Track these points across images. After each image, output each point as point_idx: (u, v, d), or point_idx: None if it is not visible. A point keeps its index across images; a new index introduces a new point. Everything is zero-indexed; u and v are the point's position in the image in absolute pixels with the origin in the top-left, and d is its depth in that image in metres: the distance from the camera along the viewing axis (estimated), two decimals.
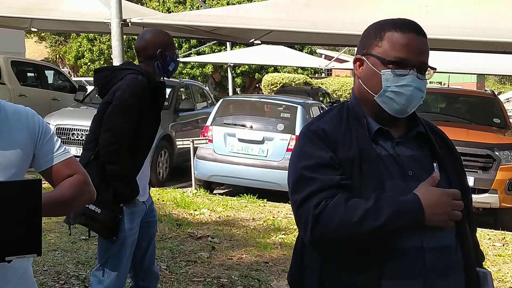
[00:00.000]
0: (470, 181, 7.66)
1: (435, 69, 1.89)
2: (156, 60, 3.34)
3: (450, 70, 15.44)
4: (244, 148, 8.91)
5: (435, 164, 1.88)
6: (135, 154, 3.22)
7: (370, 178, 1.79)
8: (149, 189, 3.63)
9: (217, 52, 23.54)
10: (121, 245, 3.30)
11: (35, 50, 36.98)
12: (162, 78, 3.45)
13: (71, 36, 30.39)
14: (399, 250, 1.76)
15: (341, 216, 1.71)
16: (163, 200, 7.66)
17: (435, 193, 1.76)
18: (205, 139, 9.11)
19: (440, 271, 1.79)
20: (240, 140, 8.96)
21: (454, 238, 1.84)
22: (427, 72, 1.88)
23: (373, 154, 1.82)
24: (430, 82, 27.34)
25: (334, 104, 3.02)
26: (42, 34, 34.05)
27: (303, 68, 27.92)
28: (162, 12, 22.34)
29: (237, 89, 26.58)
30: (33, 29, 12.97)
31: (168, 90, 11.50)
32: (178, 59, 3.42)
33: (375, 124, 1.89)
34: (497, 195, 7.87)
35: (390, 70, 1.83)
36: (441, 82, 26.61)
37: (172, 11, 24.09)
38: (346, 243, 1.73)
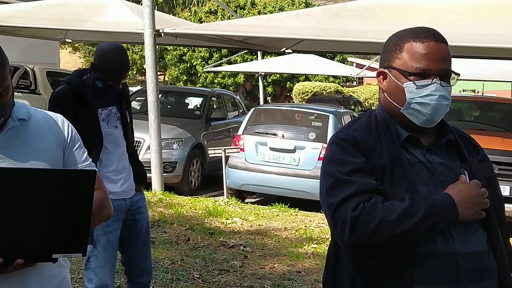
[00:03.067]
0: (506, 190, 7.53)
1: (459, 74, 1.88)
2: (91, 71, 3.45)
3: (484, 78, 15.25)
4: (275, 157, 8.91)
5: (464, 171, 1.88)
6: None
7: (402, 184, 1.80)
8: (142, 187, 3.71)
9: (248, 61, 23.63)
10: (95, 244, 3.41)
11: (69, 61, 37.59)
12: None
13: None
14: (432, 255, 1.76)
15: (379, 217, 1.72)
16: (195, 209, 7.69)
17: (463, 188, 1.79)
18: (237, 148, 9.13)
19: (473, 277, 1.78)
20: (272, 149, 8.95)
21: (486, 243, 1.84)
22: (451, 77, 1.86)
23: (404, 161, 1.83)
24: (463, 90, 27.05)
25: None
26: (76, 44, 34.58)
27: (334, 77, 27.83)
28: (194, 22, 22.53)
29: (268, 98, 26.62)
30: (67, 40, 13.23)
31: (199, 100, 11.60)
32: (115, 88, 3.43)
33: (404, 131, 1.89)
34: None
35: (412, 82, 1.83)
36: (474, 90, 26.27)
37: (204, 21, 24.27)
38: (383, 244, 1.74)
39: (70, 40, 13.74)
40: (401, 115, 1.88)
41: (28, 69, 11.99)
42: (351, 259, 1.85)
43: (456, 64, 2.10)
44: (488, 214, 1.85)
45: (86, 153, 2.06)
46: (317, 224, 7.41)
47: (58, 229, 1.64)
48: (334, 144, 1.89)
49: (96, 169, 2.04)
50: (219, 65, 23.17)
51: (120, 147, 3.54)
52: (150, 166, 8.34)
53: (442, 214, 1.74)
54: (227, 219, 7.28)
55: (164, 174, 8.79)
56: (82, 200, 1.65)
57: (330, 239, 1.98)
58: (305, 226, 7.24)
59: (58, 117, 2.02)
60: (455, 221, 1.76)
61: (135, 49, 27.72)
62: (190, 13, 27.61)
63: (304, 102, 21.98)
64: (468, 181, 1.86)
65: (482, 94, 17.45)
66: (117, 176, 3.50)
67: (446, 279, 1.76)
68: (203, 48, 24.38)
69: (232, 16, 17.35)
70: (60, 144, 1.97)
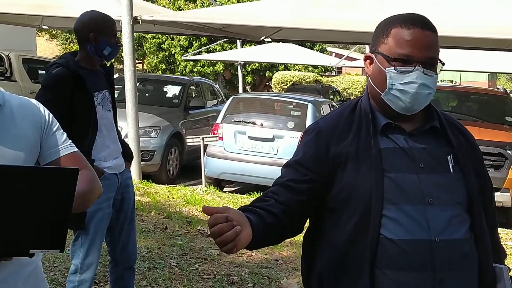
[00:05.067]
0: None
1: (444, 63, 1.86)
2: (89, 43, 3.39)
3: (461, 69, 15.39)
4: (254, 146, 8.90)
5: (449, 157, 1.87)
6: (76, 139, 3.17)
7: (370, 172, 1.80)
8: (129, 165, 3.73)
9: (227, 50, 23.55)
10: (88, 221, 3.35)
11: (46, 48, 37.12)
12: (102, 62, 3.51)
13: None
14: (406, 241, 1.76)
15: None
16: (173, 198, 7.67)
17: None
18: (215, 136, 9.11)
19: (451, 265, 1.78)
20: (250, 137, 8.94)
21: (468, 231, 1.83)
22: (438, 66, 1.85)
23: (375, 149, 1.82)
24: (441, 80, 27.26)
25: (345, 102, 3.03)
26: (53, 32, 34.15)
27: (313, 66, 27.87)
28: (173, 10, 22.36)
29: (247, 87, 26.58)
30: (44, 27, 13.02)
31: (178, 88, 11.53)
32: (117, 44, 3.44)
33: (383, 119, 1.88)
34: (509, 194, 7.82)
35: (393, 67, 1.82)
36: (452, 80, 26.51)
37: (183, 9, 24.10)
38: None
39: (47, 27, 13.54)
40: (382, 101, 1.87)
41: (3, 55, 11.83)
42: (322, 246, 1.88)
43: None
44: (471, 202, 1.84)
45: (65, 134, 2.02)
46: None
47: (36, 226, 1.61)
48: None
49: (76, 149, 2.03)
50: (198, 53, 23.05)
51: (113, 131, 3.56)
52: None
53: None
54: None
55: (141, 163, 8.74)
56: (62, 197, 1.62)
57: (307, 227, 1.99)
58: None
59: (33, 102, 1.98)
60: None
61: None
62: (168, 1, 27.38)
63: (283, 91, 21.99)
64: (451, 169, 1.85)
65: (460, 84, 17.61)
66: (111, 155, 3.50)
67: (420, 266, 1.76)
68: (182, 37, 24.25)
69: (211, 4, 17.24)
70: (37, 130, 1.93)
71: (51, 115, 1.99)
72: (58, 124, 2.01)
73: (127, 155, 3.72)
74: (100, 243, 3.49)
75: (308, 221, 1.98)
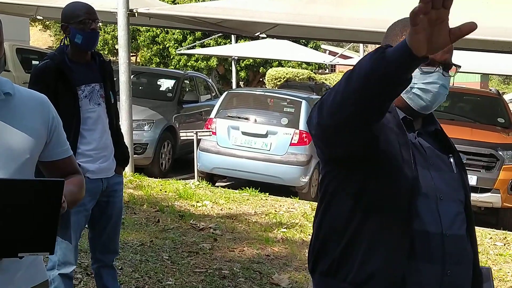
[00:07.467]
0: (473, 180, 7.69)
1: (460, 66, 1.91)
2: (66, 35, 3.40)
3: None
4: (247, 141, 8.91)
5: (451, 159, 1.94)
6: None
7: (408, 160, 1.82)
8: (123, 170, 3.73)
9: (222, 45, 23.52)
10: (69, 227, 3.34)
11: (39, 39, 36.92)
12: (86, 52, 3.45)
13: None
14: (424, 233, 1.80)
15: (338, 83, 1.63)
16: (165, 191, 7.68)
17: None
18: (209, 131, 9.12)
19: (456, 259, 1.84)
20: (244, 133, 8.96)
21: (466, 228, 1.91)
22: (451, 69, 1.89)
23: (406, 140, 1.85)
24: None
25: None
26: (47, 22, 33.98)
27: (307, 63, 27.88)
28: (167, 3, 22.30)
29: (240, 82, 26.56)
30: (38, 17, 12.99)
31: (172, 82, 11.52)
32: (91, 30, 3.36)
33: (400, 112, 1.92)
34: (499, 194, 7.88)
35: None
36: None
37: (178, 2, 24.04)
38: (342, 99, 1.59)
39: (41, 17, 13.49)
40: (399, 99, 1.89)
41: None
42: (348, 231, 1.85)
43: None
44: (467, 202, 1.92)
45: (65, 135, 2.07)
46: (286, 209, 7.46)
47: (24, 231, 1.70)
48: None
49: (64, 179, 2.07)
50: (193, 47, 23.02)
51: (101, 125, 3.49)
52: None
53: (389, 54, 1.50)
54: (197, 202, 7.29)
55: (134, 156, 8.74)
56: (51, 205, 1.72)
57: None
58: (275, 211, 7.29)
59: (43, 97, 2.01)
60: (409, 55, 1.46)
61: (107, 29, 27.33)
62: None
63: (276, 88, 22.00)
64: (455, 169, 1.92)
65: (453, 85, 17.66)
66: (99, 154, 3.46)
67: (434, 258, 1.81)
68: (177, 30, 24.19)
69: None
70: (45, 124, 1.96)
71: (56, 113, 2.03)
72: (61, 123, 2.05)
73: (122, 158, 3.68)
74: (75, 243, 3.47)
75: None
